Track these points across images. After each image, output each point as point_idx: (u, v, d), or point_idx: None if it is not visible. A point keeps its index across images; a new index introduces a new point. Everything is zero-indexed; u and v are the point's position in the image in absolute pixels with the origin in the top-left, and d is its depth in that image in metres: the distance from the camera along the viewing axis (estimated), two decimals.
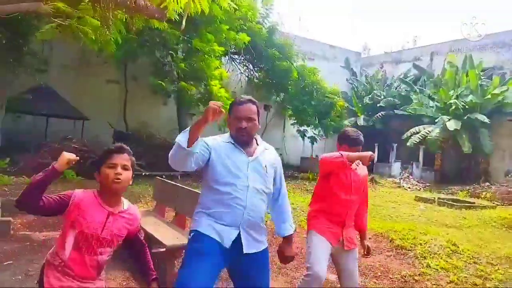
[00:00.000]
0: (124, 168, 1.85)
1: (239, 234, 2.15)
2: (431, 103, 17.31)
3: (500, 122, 15.72)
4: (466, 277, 4.33)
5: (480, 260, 5.00)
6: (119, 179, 1.82)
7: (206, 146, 2.16)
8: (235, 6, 3.58)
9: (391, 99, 18.96)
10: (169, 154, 2.06)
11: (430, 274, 4.38)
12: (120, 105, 14.04)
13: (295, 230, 2.70)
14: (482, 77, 16.32)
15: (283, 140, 18.53)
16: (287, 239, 2.45)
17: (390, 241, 5.64)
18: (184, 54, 11.37)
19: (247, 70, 15.62)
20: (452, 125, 14.99)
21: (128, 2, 2.88)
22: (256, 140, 2.35)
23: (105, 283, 1.96)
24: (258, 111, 2.26)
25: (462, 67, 16.99)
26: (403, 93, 18.92)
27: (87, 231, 1.78)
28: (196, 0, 3.36)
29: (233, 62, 14.81)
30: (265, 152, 2.32)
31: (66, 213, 1.78)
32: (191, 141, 1.96)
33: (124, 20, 4.09)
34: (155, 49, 10.94)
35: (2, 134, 8.71)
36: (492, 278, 4.37)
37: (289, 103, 15.37)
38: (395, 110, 18.60)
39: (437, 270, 4.53)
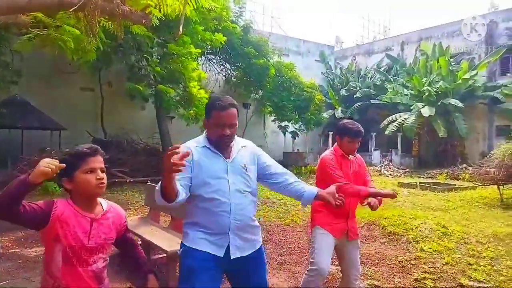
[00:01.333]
0: (102, 170, 1.76)
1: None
2: (405, 91, 17.75)
3: (472, 105, 16.30)
4: (459, 257, 4.49)
5: (470, 240, 5.19)
6: (103, 183, 1.73)
7: (189, 169, 2.06)
8: (215, 5, 3.53)
9: (367, 89, 19.33)
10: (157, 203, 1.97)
11: (425, 257, 4.51)
12: (97, 112, 13.73)
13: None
14: (452, 63, 16.85)
15: (264, 137, 18.60)
16: (321, 196, 2.28)
17: (382, 228, 5.78)
18: (160, 58, 11.22)
19: (224, 70, 15.58)
20: (426, 111, 15.42)
21: (116, 10, 2.82)
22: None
23: None
24: (238, 113, 2.19)
25: (432, 55, 17.49)
26: (378, 83, 19.32)
27: (74, 244, 1.67)
28: (180, 5, 3.33)
29: (210, 62, 14.72)
30: (242, 150, 2.25)
31: (47, 228, 1.63)
32: (170, 196, 1.87)
33: (104, 27, 4.00)
34: (130, 53, 10.75)
35: None
36: (484, 256, 4.55)
37: (268, 99, 15.43)
38: (371, 100, 18.98)
39: (431, 253, 4.68)
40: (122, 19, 2.97)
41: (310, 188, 2.30)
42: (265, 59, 14.07)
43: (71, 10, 2.96)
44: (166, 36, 10.64)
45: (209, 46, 12.06)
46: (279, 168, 2.36)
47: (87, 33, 3.14)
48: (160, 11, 3.50)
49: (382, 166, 17.04)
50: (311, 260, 2.87)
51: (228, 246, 2.11)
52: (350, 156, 3.03)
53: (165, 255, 3.76)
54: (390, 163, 17.49)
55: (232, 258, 2.10)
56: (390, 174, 15.50)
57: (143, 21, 3.11)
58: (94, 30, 2.89)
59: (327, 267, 2.79)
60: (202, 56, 12.87)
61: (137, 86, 10.64)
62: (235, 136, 2.24)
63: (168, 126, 13.29)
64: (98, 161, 1.75)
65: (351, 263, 2.97)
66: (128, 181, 11.13)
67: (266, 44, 14.63)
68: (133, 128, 13.66)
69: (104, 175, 1.75)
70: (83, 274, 1.70)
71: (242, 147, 2.27)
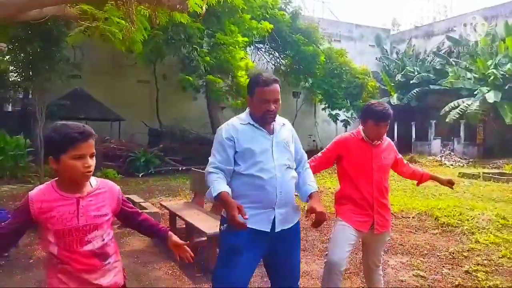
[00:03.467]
0: (92, 155, 1.62)
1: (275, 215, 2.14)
2: (469, 75, 16.46)
3: None
4: None
5: None
6: (90, 171, 1.60)
7: (232, 149, 2.15)
8: None
9: (425, 74, 18.20)
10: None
11: (479, 249, 4.20)
12: (153, 103, 14.37)
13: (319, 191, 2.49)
14: None
15: (315, 126, 18.32)
16: (313, 196, 2.27)
17: (435, 219, 5.45)
18: (209, 48, 11.43)
19: (273, 58, 15.51)
20: (492, 96, 14.22)
21: None
22: None
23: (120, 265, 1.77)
24: (280, 89, 2.22)
25: (499, 35, 16.03)
26: (437, 67, 18.12)
27: (62, 227, 1.57)
28: None
29: (258, 52, 14.73)
30: (283, 128, 2.28)
31: (34, 221, 1.59)
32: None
33: (147, 16, 4.14)
34: (181, 45, 11.06)
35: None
36: None
37: (318, 87, 15.13)
38: (430, 86, 17.84)
39: (487, 245, 4.34)
40: (157, 5, 3.04)
41: (307, 189, 2.29)
42: (314, 46, 13.79)
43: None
44: (214, 26, 10.80)
45: (257, 35, 12.08)
46: (304, 155, 2.42)
47: (126, 21, 3.26)
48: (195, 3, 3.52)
49: (442, 156, 16.07)
50: (327, 253, 2.76)
51: (274, 219, 2.12)
52: (375, 141, 2.71)
53: (205, 238, 3.86)
54: (452, 153, 16.43)
55: (276, 231, 2.12)
56: (452, 165, 14.57)
57: (178, 6, 3.16)
58: (132, 17, 2.99)
59: (339, 260, 2.56)
60: (251, 45, 12.89)
61: (188, 77, 10.95)
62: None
63: (218, 116, 13.57)
64: (89, 146, 1.61)
65: (372, 251, 2.80)
66: (180, 169, 11.57)
67: (316, 31, 14.32)
68: (186, 118, 14.13)
69: (93, 162, 1.62)
70: (79, 256, 1.61)
71: (283, 124, 2.30)
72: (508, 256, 3.97)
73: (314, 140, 17.47)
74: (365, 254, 2.87)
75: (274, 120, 2.20)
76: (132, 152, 11.38)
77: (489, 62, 15.39)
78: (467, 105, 15.34)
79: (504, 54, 15.24)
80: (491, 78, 14.77)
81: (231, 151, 2.14)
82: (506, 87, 14.53)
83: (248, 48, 12.71)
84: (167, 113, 14.30)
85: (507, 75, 14.63)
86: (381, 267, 2.89)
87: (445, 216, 5.45)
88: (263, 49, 14.91)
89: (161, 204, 5.74)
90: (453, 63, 17.46)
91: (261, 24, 10.95)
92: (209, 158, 2.21)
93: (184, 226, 4.66)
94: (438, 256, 4.12)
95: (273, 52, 15.08)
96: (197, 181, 5.41)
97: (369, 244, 2.82)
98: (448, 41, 18.90)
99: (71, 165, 1.57)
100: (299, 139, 2.40)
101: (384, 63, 20.95)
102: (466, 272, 3.64)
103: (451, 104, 16.00)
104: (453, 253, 4.13)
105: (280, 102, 2.20)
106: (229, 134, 2.17)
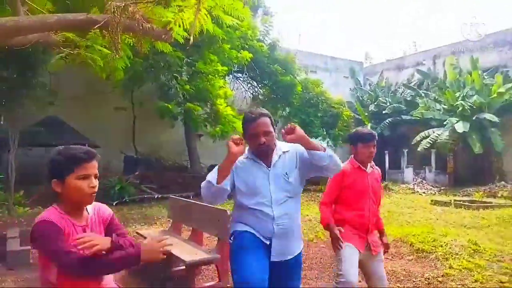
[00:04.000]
0: (96, 176, 1.65)
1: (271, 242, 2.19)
2: (438, 106, 17.24)
3: (509, 120, 15.57)
4: (491, 275, 4.25)
5: (503, 258, 4.91)
6: (95, 192, 1.62)
7: (232, 172, 2.21)
8: (238, 22, 3.68)
9: (397, 105, 18.94)
10: (202, 191, 2.18)
11: (453, 275, 4.30)
12: (129, 131, 14.22)
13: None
14: (486, 77, 16.29)
15: None
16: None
17: (410, 245, 5.58)
18: (188, 76, 11.56)
19: (251, 87, 15.78)
20: (460, 126, 14.88)
21: (136, 25, 2.98)
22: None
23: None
24: (272, 121, 2.26)
25: (464, 68, 17.01)
26: (408, 99, 18.92)
27: None
28: (201, 20, 3.45)
29: (237, 80, 14.98)
30: (283, 156, 2.29)
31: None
32: (220, 178, 2.08)
33: (131, 44, 4.21)
34: (161, 73, 11.14)
35: (16, 168, 8.87)
36: None
37: (295, 116, 15.41)
38: (402, 116, 18.53)
39: (460, 270, 4.46)
40: (142, 35, 3.12)
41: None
42: (291, 76, 14.16)
43: (96, 27, 3.14)
44: (194, 55, 10.97)
45: (236, 65, 12.34)
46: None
47: (111, 50, 3.32)
48: (179, 26, 3.62)
49: (415, 183, 16.49)
50: (339, 273, 2.80)
51: (270, 246, 2.18)
52: (368, 168, 2.96)
53: (184, 267, 3.80)
54: (423, 181, 16.90)
55: (271, 261, 2.18)
56: (424, 192, 14.96)
57: (163, 36, 3.25)
58: (117, 46, 3.05)
59: (355, 279, 2.76)
60: (230, 75, 13.13)
61: (166, 104, 10.98)
62: (277, 142, 2.31)
63: (196, 144, 13.55)
64: (93, 167, 1.64)
65: (378, 279, 2.91)
66: (156, 197, 11.38)
67: (293, 62, 14.74)
68: (163, 145, 14.04)
69: (97, 182, 1.64)
70: (81, 280, 1.60)
71: (284, 152, 2.31)
72: (480, 281, 4.09)
73: None
74: (372, 283, 2.93)
75: (270, 153, 2.24)
76: (107, 179, 11.13)
77: (457, 94, 16.20)
78: (437, 135, 15.95)
79: (471, 86, 16.10)
80: (460, 109, 15.50)
81: (229, 177, 2.17)
82: (474, 118, 15.26)
83: (227, 77, 12.92)
84: (143, 140, 14.17)
85: (474, 106, 15.40)
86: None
87: (419, 242, 5.60)
88: (241, 78, 15.17)
89: (137, 233, 5.61)
90: (423, 94, 18.28)
91: (240, 53, 11.22)
92: None
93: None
94: (414, 281, 4.20)
95: (251, 82, 15.37)
96: (175, 208, 5.36)
97: (371, 269, 2.91)
98: (417, 74, 19.85)
99: (77, 186, 1.58)
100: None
101: (358, 94, 21.68)
102: None
103: (422, 134, 16.61)
104: (429, 279, 4.22)
105: (274, 133, 2.24)
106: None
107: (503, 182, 14.06)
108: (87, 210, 1.70)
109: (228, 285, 3.59)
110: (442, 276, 4.30)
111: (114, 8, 2.87)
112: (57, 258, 1.51)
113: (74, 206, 1.62)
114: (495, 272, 4.36)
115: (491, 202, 10.67)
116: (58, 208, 1.62)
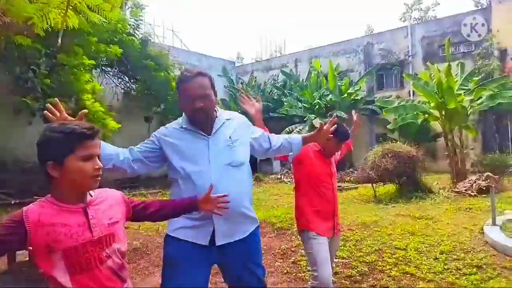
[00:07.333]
0: (99, 157, 1.39)
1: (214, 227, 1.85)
2: (300, 104, 19.29)
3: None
4: None
5: (342, 228, 5.97)
6: (99, 174, 1.36)
7: (152, 145, 1.94)
8: (105, 20, 3.60)
9: (266, 103, 20.49)
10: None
11: (302, 245, 5.11)
12: None
13: None
14: (338, 80, 18.87)
15: None
16: (306, 138, 2.20)
17: (272, 225, 6.32)
18: (48, 69, 10.61)
19: (122, 82, 15.22)
20: (317, 122, 16.85)
21: None
22: (216, 114, 2.01)
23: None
24: (212, 83, 1.93)
25: (322, 71, 19.40)
26: (275, 97, 20.64)
27: (74, 243, 1.29)
28: (65, 18, 3.43)
29: (106, 75, 14.28)
30: (227, 123, 2.00)
31: (30, 241, 1.25)
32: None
33: None
34: (15, 65, 10.00)
35: None
36: (351, 239, 5.32)
37: (170, 112, 15.43)
38: (270, 113, 20.16)
39: None
40: (2, 30, 2.97)
41: (295, 137, 2.19)
42: (165, 72, 14.15)
43: None
44: (55, 46, 10.14)
45: (105, 59, 11.80)
46: (268, 135, 2.23)
47: None
48: (42, 21, 3.53)
49: (282, 174, 18.16)
50: (314, 274, 2.66)
51: (213, 231, 1.84)
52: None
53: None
54: (289, 171, 18.71)
55: (217, 245, 1.86)
56: (289, 181, 16.60)
57: (25, 32, 3.14)
58: None
59: (330, 277, 2.64)
60: (97, 68, 12.46)
61: (24, 99, 9.90)
62: (218, 109, 2.03)
63: None
64: (97, 146, 1.38)
65: (332, 255, 2.89)
66: (13, 202, 10.21)
67: (167, 58, 14.73)
68: (19, 145, 12.54)
69: (101, 164, 1.39)
70: (100, 278, 1.33)
71: (227, 119, 2.02)
72: None
73: None
74: None
75: (208, 119, 1.92)
76: None
77: (315, 94, 18.37)
78: (299, 130, 17.83)
79: (326, 87, 18.43)
80: (317, 107, 17.64)
81: (151, 146, 1.94)
82: (328, 114, 17.54)
83: (94, 71, 12.23)
84: None
85: (328, 105, 17.70)
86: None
87: (279, 222, 6.39)
88: (111, 73, 14.51)
89: None
90: (287, 94, 20.19)
91: (109, 48, 10.78)
92: None
93: (27, 259, 4.34)
94: (273, 253, 4.86)
95: (122, 76, 14.82)
96: None
97: (330, 248, 2.82)
98: (282, 75, 21.82)
99: (79, 168, 1.31)
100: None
101: (231, 92, 22.72)
102: (293, 262, 4.43)
103: (287, 129, 18.37)
104: (284, 249, 4.94)
105: (215, 97, 1.94)
106: (157, 136, 1.98)
107: (351, 169, 16.53)
108: (90, 194, 1.44)
109: None
110: (294, 246, 5.07)
111: None
112: None
113: (73, 192, 1.35)
114: None
115: (340, 186, 12.53)
116: (51, 198, 1.35)
